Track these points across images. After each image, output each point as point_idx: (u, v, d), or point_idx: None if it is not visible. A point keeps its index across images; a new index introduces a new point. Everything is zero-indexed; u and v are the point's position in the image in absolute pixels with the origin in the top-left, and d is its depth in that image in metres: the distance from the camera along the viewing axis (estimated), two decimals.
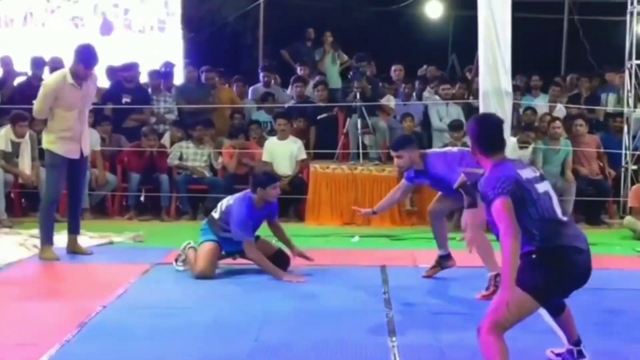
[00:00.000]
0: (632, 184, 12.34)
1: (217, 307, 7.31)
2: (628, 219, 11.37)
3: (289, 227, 11.39)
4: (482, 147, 5.24)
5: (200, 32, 16.96)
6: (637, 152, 12.54)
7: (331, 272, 8.74)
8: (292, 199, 12.11)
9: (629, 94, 12.55)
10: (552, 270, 5.01)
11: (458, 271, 8.45)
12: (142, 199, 12.72)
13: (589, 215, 12.37)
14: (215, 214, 8.64)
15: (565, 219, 5.18)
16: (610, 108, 13.78)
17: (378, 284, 8.17)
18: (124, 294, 7.68)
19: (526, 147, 12.36)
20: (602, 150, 12.65)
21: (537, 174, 5.26)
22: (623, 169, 12.56)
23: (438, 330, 6.61)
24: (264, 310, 7.16)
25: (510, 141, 12.21)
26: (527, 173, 5.15)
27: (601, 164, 12.67)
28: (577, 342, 5.67)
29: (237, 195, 8.68)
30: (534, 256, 5.00)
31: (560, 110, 13.58)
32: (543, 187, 5.16)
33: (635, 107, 12.62)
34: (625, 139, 12.57)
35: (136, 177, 12.29)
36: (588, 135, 12.69)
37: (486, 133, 5.26)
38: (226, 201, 8.64)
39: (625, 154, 12.54)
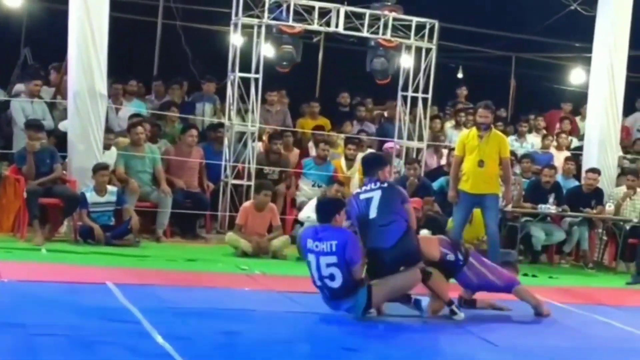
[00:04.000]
0: (231, 198, 11.99)
1: None
2: (230, 235, 10.88)
3: None
4: None
5: None
6: (238, 165, 12.14)
7: None
8: None
9: (231, 107, 12.10)
10: None
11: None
12: None
13: (185, 229, 11.82)
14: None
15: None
16: (207, 118, 13.31)
17: None
18: None
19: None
20: (204, 161, 12.18)
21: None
22: (222, 183, 12.07)
23: (38, 354, 5.61)
24: None
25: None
26: None
27: (199, 176, 12.15)
28: (449, 303, 7.44)
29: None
30: None
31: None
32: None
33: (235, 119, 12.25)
34: (226, 151, 12.10)
35: None
36: (195, 147, 12.06)
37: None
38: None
39: (225, 167, 12.06)
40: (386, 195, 7.43)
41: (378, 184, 7.51)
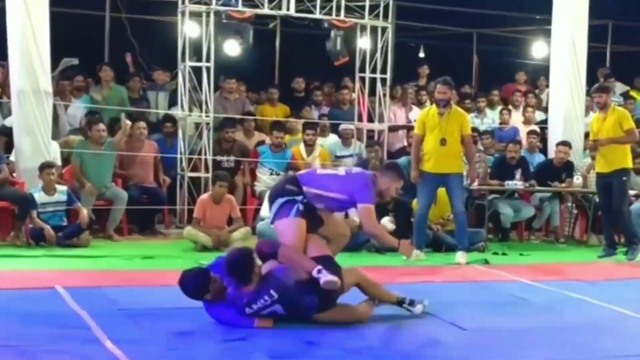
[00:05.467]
0: (189, 190, 11.67)
1: None
2: (188, 229, 10.57)
3: None
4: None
5: None
6: (194, 157, 11.77)
7: None
8: None
9: (184, 98, 11.75)
10: None
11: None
12: None
13: (142, 226, 11.56)
14: None
15: None
16: (162, 111, 12.93)
17: None
18: None
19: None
20: (159, 155, 11.89)
21: None
22: (179, 176, 11.74)
23: None
24: None
25: (53, 145, 11.07)
26: None
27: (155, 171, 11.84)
28: (400, 302, 6.81)
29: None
30: None
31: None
32: None
33: (190, 110, 11.87)
34: (181, 144, 11.76)
35: None
36: (147, 140, 11.72)
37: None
38: None
39: (181, 160, 11.72)
40: (287, 305, 6.38)
41: (268, 299, 6.32)
